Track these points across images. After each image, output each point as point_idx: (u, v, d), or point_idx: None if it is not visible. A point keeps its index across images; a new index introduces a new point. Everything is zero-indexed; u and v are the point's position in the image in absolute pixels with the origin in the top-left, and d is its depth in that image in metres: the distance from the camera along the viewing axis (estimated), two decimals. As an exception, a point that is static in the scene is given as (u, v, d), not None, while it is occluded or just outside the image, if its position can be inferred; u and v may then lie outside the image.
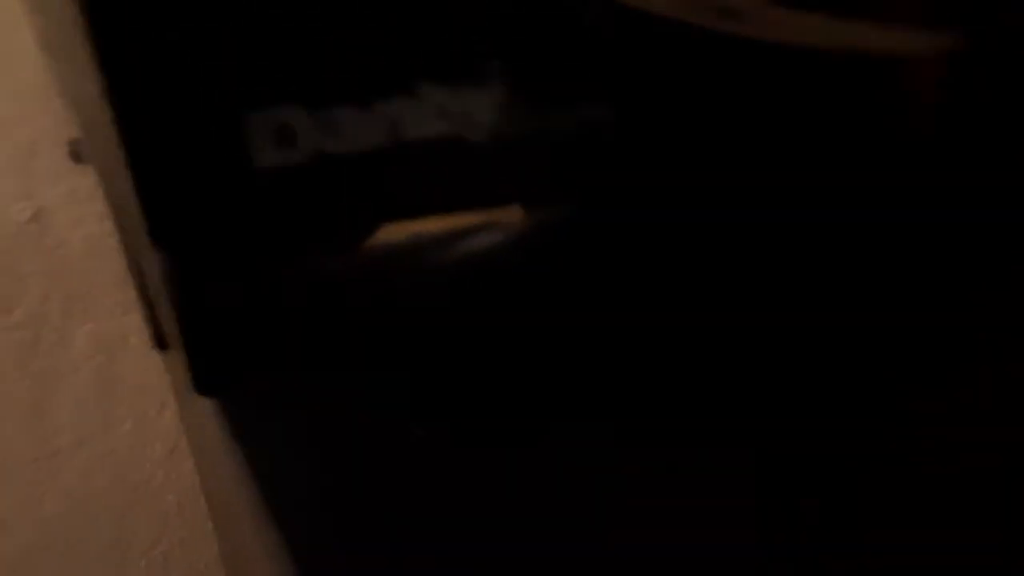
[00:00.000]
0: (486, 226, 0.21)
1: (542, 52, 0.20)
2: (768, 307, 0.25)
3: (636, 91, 0.21)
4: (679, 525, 0.17)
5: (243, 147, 0.18)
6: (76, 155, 0.38)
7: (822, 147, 0.26)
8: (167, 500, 0.54)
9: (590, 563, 0.16)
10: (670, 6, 0.21)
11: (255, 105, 0.18)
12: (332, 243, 0.20)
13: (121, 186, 0.19)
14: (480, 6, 0.19)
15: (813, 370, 0.23)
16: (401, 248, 0.21)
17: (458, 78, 0.19)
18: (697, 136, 0.24)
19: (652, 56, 0.21)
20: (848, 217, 0.26)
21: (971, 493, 0.18)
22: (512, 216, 0.22)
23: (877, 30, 0.26)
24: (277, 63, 0.18)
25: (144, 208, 0.18)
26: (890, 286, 0.27)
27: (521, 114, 0.20)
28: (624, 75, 0.21)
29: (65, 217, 0.44)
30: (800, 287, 0.26)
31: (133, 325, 0.48)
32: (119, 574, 0.55)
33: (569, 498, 0.18)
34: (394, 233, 0.21)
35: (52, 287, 0.46)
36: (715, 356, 0.24)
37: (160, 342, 0.24)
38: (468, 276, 0.22)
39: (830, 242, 0.26)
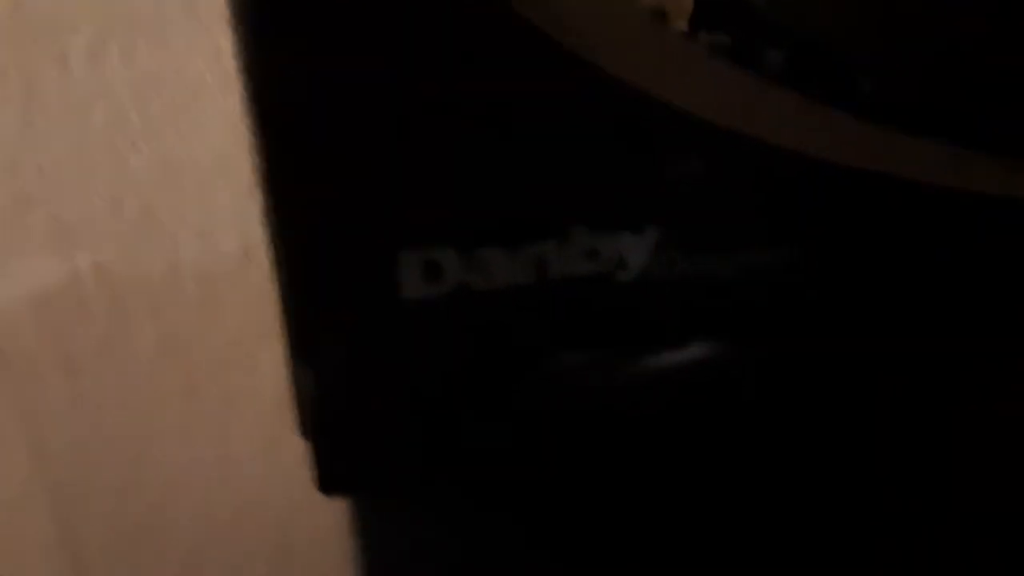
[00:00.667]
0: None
1: (700, 198, 0.19)
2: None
3: (793, 236, 0.20)
4: None
5: (393, 279, 0.19)
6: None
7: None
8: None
9: None
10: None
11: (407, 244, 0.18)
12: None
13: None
14: (638, 158, 0.19)
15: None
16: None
17: (611, 224, 0.19)
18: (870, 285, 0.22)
19: (811, 200, 0.20)
20: None
21: None
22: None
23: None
24: (429, 206, 0.18)
25: (294, 327, 0.19)
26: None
27: (675, 258, 0.20)
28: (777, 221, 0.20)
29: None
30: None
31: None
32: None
33: None
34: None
35: (250, 316, 0.49)
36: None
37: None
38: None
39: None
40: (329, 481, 0.21)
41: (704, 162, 0.19)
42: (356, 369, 0.20)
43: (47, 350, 0.48)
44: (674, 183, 0.19)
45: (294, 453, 0.23)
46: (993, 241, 0.22)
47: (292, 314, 0.19)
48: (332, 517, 0.25)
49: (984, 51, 0.22)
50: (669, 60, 0.19)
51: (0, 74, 0.40)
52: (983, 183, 0.22)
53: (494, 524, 0.24)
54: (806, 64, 0.26)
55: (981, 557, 0.25)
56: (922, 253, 0.22)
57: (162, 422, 0.53)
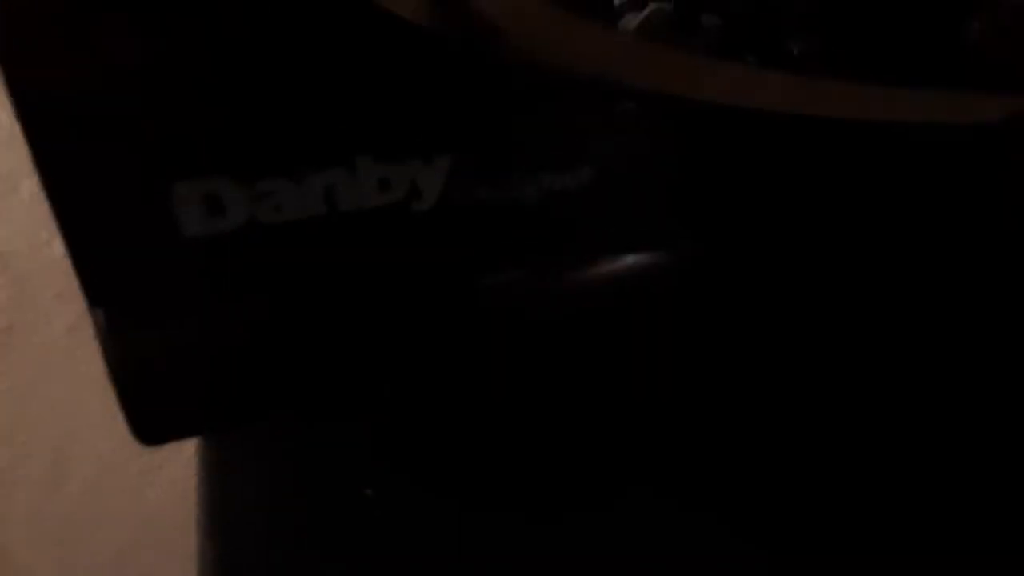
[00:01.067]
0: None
1: (490, 126, 0.19)
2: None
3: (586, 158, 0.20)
4: None
5: (172, 216, 0.18)
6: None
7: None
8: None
9: None
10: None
11: (183, 175, 0.18)
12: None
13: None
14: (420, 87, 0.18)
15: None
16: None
17: (398, 153, 0.19)
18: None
19: (618, 124, 0.20)
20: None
21: None
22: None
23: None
24: (208, 136, 0.17)
25: (80, 269, 0.18)
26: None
27: (472, 185, 0.19)
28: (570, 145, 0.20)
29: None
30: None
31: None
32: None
33: None
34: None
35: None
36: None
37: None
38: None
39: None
40: (143, 429, 0.20)
41: (492, 94, 0.19)
42: (148, 313, 0.19)
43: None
44: (463, 113, 0.19)
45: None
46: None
47: (74, 256, 0.18)
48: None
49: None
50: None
51: None
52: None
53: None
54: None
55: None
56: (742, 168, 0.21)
57: (84, 413, 0.53)
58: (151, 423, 0.20)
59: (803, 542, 0.23)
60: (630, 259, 0.22)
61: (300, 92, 0.18)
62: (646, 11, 0.29)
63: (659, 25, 0.28)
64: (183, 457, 0.55)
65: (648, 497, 0.23)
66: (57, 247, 0.45)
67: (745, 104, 0.21)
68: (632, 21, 0.29)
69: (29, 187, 0.44)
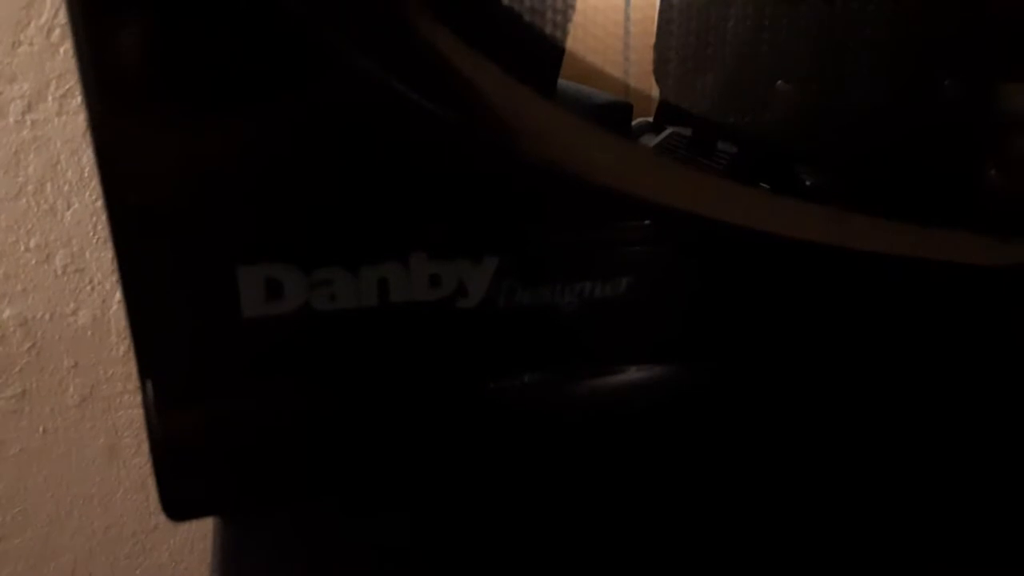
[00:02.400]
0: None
1: (539, 235, 0.20)
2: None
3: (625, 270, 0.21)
4: None
5: (233, 295, 0.19)
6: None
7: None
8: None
9: None
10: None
11: (250, 259, 0.19)
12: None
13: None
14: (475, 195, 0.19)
15: None
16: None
17: (450, 252, 0.20)
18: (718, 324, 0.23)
19: (656, 243, 0.21)
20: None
21: None
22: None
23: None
24: (274, 227, 0.19)
25: (136, 340, 0.19)
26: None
27: (515, 288, 0.20)
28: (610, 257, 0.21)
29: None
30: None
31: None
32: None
33: None
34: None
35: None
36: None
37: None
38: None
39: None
40: (173, 504, 0.21)
41: (539, 204, 0.20)
42: (197, 386, 0.20)
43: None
44: (512, 219, 0.20)
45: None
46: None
47: (135, 329, 0.19)
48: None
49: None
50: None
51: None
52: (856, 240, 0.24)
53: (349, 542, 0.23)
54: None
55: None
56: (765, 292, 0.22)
57: (82, 489, 0.52)
58: (182, 498, 0.21)
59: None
60: (652, 368, 0.23)
61: (363, 191, 0.19)
62: (664, 134, 0.31)
63: (676, 148, 0.30)
64: (171, 544, 0.55)
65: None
66: (81, 318, 0.46)
67: (755, 227, 0.23)
68: (650, 142, 0.31)
69: (63, 258, 0.45)
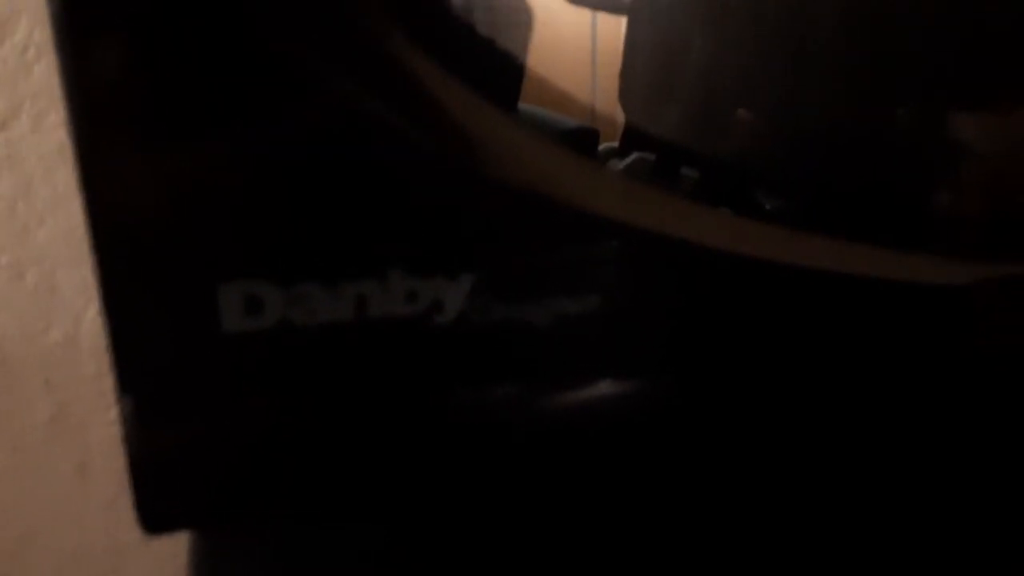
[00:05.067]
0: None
1: (512, 253, 0.21)
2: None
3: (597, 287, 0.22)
4: None
5: (213, 312, 0.19)
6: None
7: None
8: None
9: None
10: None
11: (229, 276, 0.19)
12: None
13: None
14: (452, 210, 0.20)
15: None
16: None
17: (427, 268, 0.20)
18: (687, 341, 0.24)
19: (627, 261, 0.22)
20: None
21: None
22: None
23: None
24: (253, 244, 0.19)
25: (116, 356, 0.20)
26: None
27: (490, 304, 0.21)
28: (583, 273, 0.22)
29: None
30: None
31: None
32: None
33: None
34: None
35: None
36: None
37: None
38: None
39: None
40: (150, 517, 0.21)
41: (513, 222, 0.21)
42: (176, 401, 0.20)
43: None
44: (486, 238, 0.21)
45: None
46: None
47: (115, 343, 0.20)
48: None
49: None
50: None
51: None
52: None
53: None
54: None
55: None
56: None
57: (52, 508, 0.52)
58: (158, 511, 0.21)
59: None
60: (622, 384, 0.23)
61: (340, 210, 0.20)
62: (629, 159, 0.32)
63: (641, 173, 0.31)
64: (142, 563, 0.54)
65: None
66: (53, 336, 0.46)
67: (718, 247, 0.24)
68: (616, 166, 0.32)
69: (34, 276, 0.45)
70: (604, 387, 0.24)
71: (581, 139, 0.30)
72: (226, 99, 0.18)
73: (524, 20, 0.30)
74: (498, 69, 0.27)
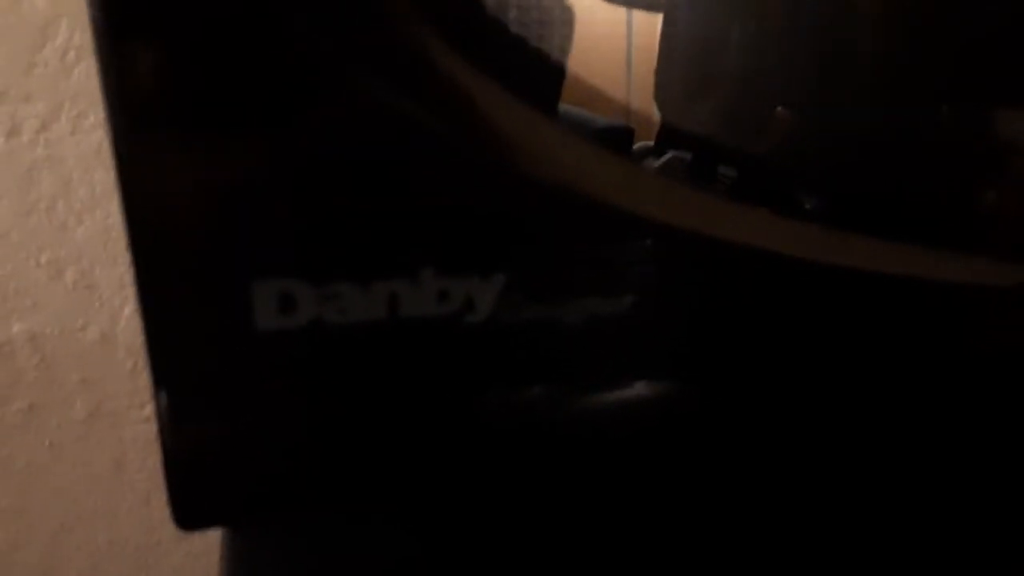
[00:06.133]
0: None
1: (545, 252, 0.21)
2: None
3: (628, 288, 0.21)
4: None
5: (248, 310, 0.20)
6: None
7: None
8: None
9: None
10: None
11: (264, 274, 0.19)
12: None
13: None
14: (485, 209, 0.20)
15: None
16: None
17: (462, 268, 0.20)
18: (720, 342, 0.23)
19: (660, 260, 0.21)
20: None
21: None
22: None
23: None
24: (287, 243, 0.19)
25: (152, 351, 0.20)
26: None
27: (522, 303, 0.21)
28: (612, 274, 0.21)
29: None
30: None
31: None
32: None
33: None
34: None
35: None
36: None
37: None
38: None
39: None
40: (184, 514, 0.21)
41: (546, 222, 0.21)
42: (210, 398, 0.20)
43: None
44: (519, 237, 0.20)
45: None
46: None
47: (150, 340, 0.20)
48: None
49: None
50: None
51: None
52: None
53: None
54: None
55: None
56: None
57: (87, 503, 0.53)
58: (192, 507, 0.21)
59: None
60: (654, 384, 0.23)
61: (373, 209, 0.20)
62: (665, 157, 0.32)
63: (677, 171, 0.31)
64: (175, 559, 0.55)
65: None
66: (90, 334, 0.46)
67: (756, 245, 0.23)
68: (651, 165, 0.32)
69: (73, 274, 0.45)
70: (636, 388, 0.23)
71: (616, 137, 0.30)
72: (261, 99, 0.18)
73: (566, 21, 0.30)
74: (539, 71, 0.27)
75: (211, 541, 0.38)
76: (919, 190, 0.29)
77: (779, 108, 0.31)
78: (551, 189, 0.20)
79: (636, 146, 0.32)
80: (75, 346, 0.47)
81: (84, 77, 0.42)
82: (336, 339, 0.20)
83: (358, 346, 0.20)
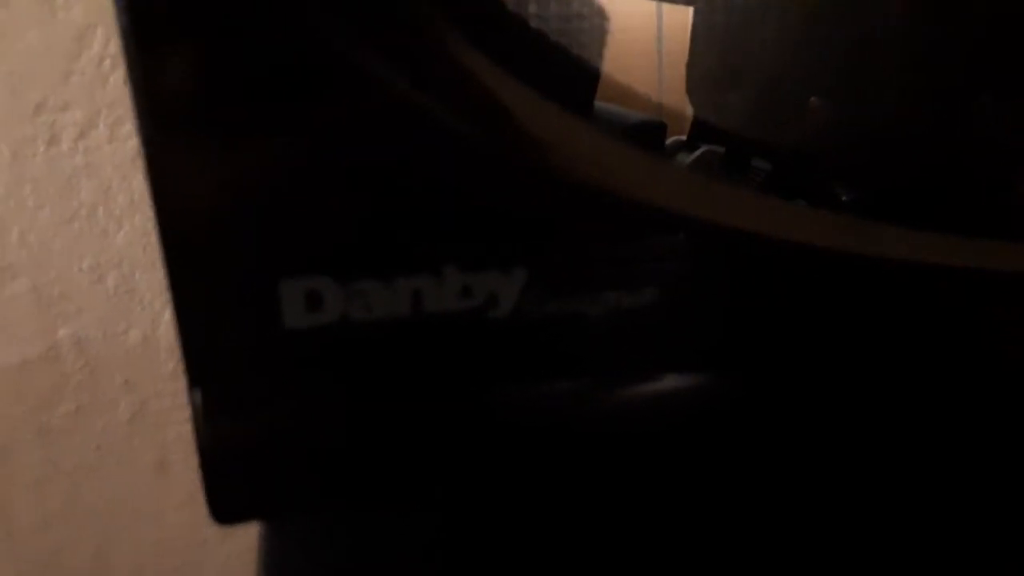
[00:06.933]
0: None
1: (569, 247, 0.21)
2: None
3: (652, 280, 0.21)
4: None
5: (275, 308, 0.20)
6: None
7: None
8: None
9: None
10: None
11: (291, 273, 0.20)
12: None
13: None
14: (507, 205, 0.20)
15: None
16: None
17: (485, 264, 0.20)
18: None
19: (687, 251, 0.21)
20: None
21: None
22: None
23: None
24: (314, 241, 0.19)
25: (186, 350, 0.20)
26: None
27: (545, 298, 0.21)
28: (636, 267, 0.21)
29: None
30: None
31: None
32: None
33: None
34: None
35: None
36: None
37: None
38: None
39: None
40: (220, 509, 0.21)
41: (568, 215, 0.20)
42: (243, 395, 0.21)
43: (23, 420, 0.49)
44: (543, 232, 0.20)
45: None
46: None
47: (184, 340, 0.20)
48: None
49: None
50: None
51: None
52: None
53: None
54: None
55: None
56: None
57: (133, 505, 0.54)
58: (228, 502, 0.21)
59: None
60: (681, 379, 0.23)
61: (398, 206, 0.20)
62: (698, 152, 0.31)
63: (711, 166, 0.30)
64: (219, 557, 0.56)
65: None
66: (132, 337, 0.47)
67: (788, 238, 0.23)
68: (684, 160, 0.31)
69: (115, 279, 0.46)
70: (663, 383, 0.23)
71: (647, 133, 0.30)
72: (287, 101, 0.18)
73: (600, 20, 0.30)
74: (572, 69, 0.27)
75: (255, 540, 0.38)
76: (955, 180, 0.28)
77: (813, 99, 0.31)
78: (578, 185, 0.20)
79: (668, 141, 0.32)
80: (118, 349, 0.48)
81: (120, 84, 0.43)
82: (362, 335, 0.20)
83: (384, 342, 0.20)
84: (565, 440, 0.23)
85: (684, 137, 0.33)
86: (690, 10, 0.34)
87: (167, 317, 0.48)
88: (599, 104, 0.29)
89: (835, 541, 0.26)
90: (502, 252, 0.20)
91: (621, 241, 0.21)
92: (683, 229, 0.21)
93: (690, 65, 0.34)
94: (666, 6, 0.37)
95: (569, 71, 0.27)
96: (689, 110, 0.34)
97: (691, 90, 0.34)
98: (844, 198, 0.29)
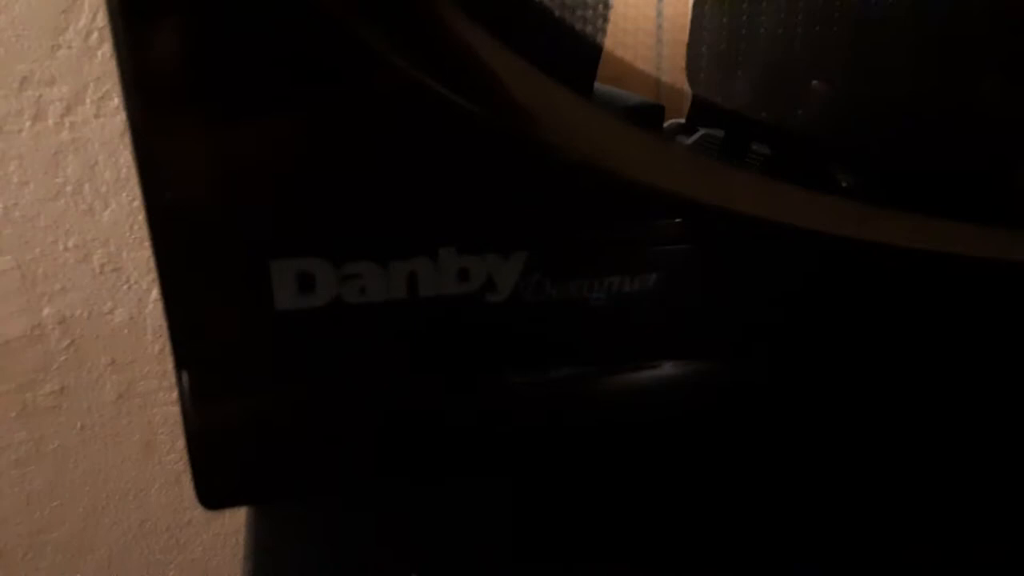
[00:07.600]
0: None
1: (567, 230, 0.20)
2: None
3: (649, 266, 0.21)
4: None
5: (267, 289, 0.19)
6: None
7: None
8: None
9: None
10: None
11: (282, 254, 0.19)
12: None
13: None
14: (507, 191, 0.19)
15: None
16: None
17: (482, 247, 0.20)
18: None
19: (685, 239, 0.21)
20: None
21: None
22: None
23: None
24: (306, 222, 0.19)
25: (173, 332, 0.19)
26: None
27: (544, 282, 0.20)
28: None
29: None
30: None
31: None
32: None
33: None
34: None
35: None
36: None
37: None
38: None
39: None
40: (207, 493, 0.21)
41: (567, 199, 0.20)
42: (231, 377, 0.20)
43: (7, 399, 0.49)
44: (541, 215, 0.20)
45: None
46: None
47: (171, 321, 0.19)
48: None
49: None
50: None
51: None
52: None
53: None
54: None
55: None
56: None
57: (118, 483, 0.53)
58: (216, 487, 0.21)
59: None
60: (681, 365, 0.23)
61: (393, 187, 0.19)
62: (697, 134, 0.31)
63: (710, 148, 0.30)
64: (204, 538, 0.55)
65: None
66: (118, 316, 0.46)
67: (787, 222, 0.22)
68: (682, 143, 0.31)
69: (100, 257, 0.46)
70: (662, 369, 0.23)
71: (646, 115, 0.29)
72: (278, 79, 0.18)
73: (601, 3, 0.29)
74: (573, 50, 0.26)
75: (241, 520, 0.38)
76: (956, 166, 0.28)
77: (814, 81, 0.30)
78: (576, 166, 0.20)
79: (667, 123, 0.32)
80: (104, 329, 0.47)
81: (107, 59, 0.42)
82: (355, 319, 0.20)
83: (378, 326, 0.20)
84: (563, 428, 0.22)
85: (683, 120, 0.32)
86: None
87: (154, 297, 0.47)
88: (598, 86, 0.28)
89: (835, 527, 0.26)
90: (501, 235, 0.20)
91: (621, 223, 0.21)
92: (683, 212, 0.21)
93: (690, 47, 0.34)
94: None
95: (569, 50, 0.26)
96: (688, 92, 0.33)
97: (690, 72, 0.34)
98: (844, 184, 0.28)
